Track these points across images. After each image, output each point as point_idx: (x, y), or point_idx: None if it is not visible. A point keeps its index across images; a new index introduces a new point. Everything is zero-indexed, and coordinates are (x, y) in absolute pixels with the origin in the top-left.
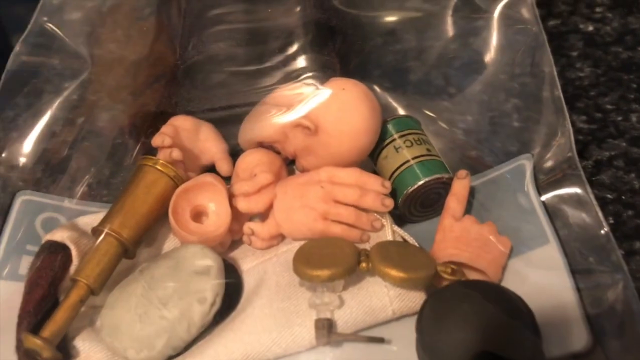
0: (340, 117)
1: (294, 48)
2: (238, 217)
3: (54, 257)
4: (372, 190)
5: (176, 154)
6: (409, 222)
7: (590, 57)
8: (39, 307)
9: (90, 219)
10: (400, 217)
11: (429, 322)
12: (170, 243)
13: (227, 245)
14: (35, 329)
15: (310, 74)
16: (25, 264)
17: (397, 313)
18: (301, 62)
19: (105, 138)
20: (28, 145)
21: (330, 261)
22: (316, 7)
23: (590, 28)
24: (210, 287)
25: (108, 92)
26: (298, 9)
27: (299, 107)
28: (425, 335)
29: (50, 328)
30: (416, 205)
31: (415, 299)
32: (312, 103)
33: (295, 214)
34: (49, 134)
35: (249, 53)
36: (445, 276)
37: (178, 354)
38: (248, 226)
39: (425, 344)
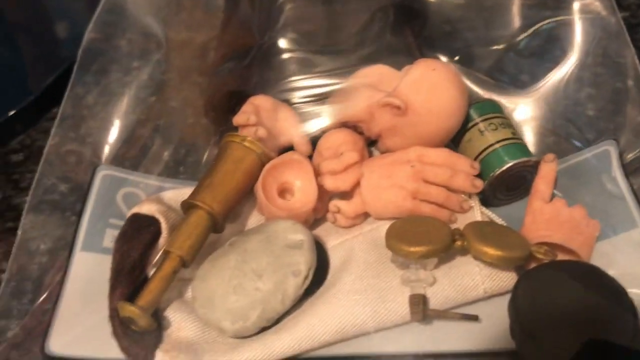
0: (430, 97)
1: (374, 30)
2: (320, 196)
3: (143, 229)
4: (462, 170)
5: (261, 131)
6: (491, 206)
7: None
8: (130, 278)
9: (174, 194)
10: (482, 200)
11: (526, 301)
12: (253, 219)
13: (310, 223)
14: (127, 300)
15: (389, 57)
16: (108, 237)
17: (488, 292)
18: (380, 44)
19: (180, 117)
20: (102, 122)
21: (426, 238)
22: None
23: None
24: (304, 261)
25: (181, 72)
26: None
27: (387, 87)
28: (521, 314)
29: (146, 297)
30: (501, 189)
31: (506, 278)
32: (401, 83)
33: (384, 192)
34: (123, 112)
35: (328, 35)
36: (539, 256)
37: (270, 326)
38: (334, 204)
39: (522, 322)
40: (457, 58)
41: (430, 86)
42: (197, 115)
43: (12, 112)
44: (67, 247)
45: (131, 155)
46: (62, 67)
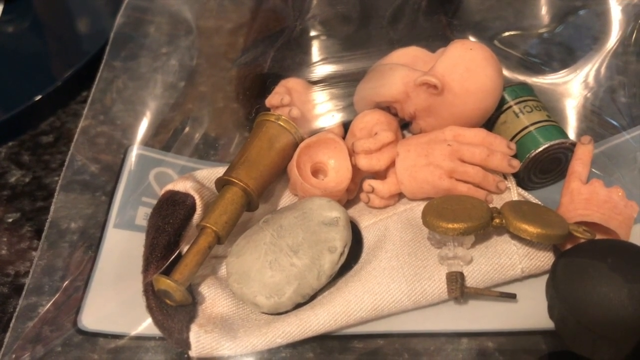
0: (467, 77)
1: (407, 14)
2: (352, 176)
3: (178, 205)
4: (499, 150)
5: (295, 112)
6: (525, 189)
7: None
8: (165, 253)
9: (207, 173)
10: (517, 183)
11: (568, 278)
12: (286, 200)
13: (343, 204)
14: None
15: (421, 41)
16: (141, 215)
17: (525, 272)
18: (413, 28)
19: (209, 102)
20: (132, 106)
21: (465, 215)
22: None
23: None
24: (340, 237)
25: (210, 58)
26: None
27: (422, 68)
28: (562, 292)
29: (181, 271)
30: (536, 171)
31: (544, 258)
32: (437, 63)
33: (420, 172)
34: (152, 96)
35: (361, 18)
36: (578, 235)
37: (305, 303)
38: (368, 183)
39: (565, 300)
40: (490, 44)
41: (467, 66)
42: (227, 100)
43: (38, 98)
44: (98, 226)
45: (162, 138)
46: (89, 54)
